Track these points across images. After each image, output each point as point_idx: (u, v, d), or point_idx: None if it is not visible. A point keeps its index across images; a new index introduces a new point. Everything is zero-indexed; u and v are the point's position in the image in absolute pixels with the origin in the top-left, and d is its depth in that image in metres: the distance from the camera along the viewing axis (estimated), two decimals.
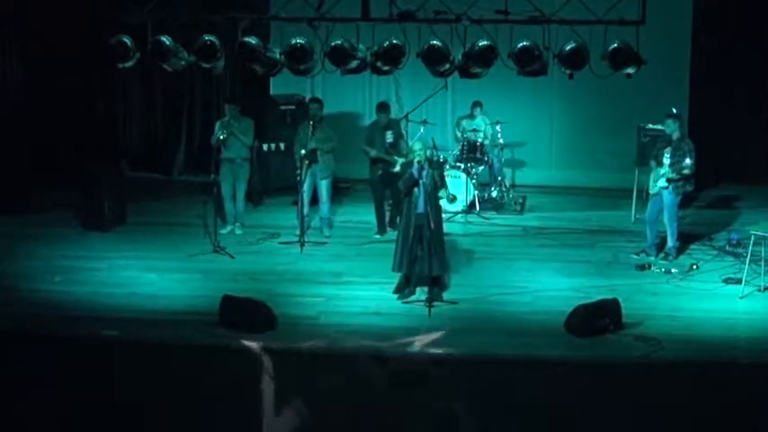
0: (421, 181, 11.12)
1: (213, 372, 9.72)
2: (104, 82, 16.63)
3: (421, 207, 11.13)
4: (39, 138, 15.47)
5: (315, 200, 13.71)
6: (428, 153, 11.39)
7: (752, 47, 15.53)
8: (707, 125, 15.32)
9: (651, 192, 12.64)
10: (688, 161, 12.19)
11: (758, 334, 10.47)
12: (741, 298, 11.35)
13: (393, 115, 14.59)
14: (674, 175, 12.31)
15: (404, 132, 14.15)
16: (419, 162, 11.14)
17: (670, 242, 12.65)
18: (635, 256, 12.70)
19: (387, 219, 13.75)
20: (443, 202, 12.15)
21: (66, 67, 15.85)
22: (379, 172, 13.61)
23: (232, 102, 13.82)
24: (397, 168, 13.32)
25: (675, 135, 12.42)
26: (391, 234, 13.17)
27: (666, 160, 12.38)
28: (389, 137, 13.70)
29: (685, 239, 13.06)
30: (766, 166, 15.64)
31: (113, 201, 13.99)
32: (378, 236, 13.65)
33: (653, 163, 12.61)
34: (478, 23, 10.90)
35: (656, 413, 9.08)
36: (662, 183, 12.43)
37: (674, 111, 13.16)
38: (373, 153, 13.62)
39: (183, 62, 11.73)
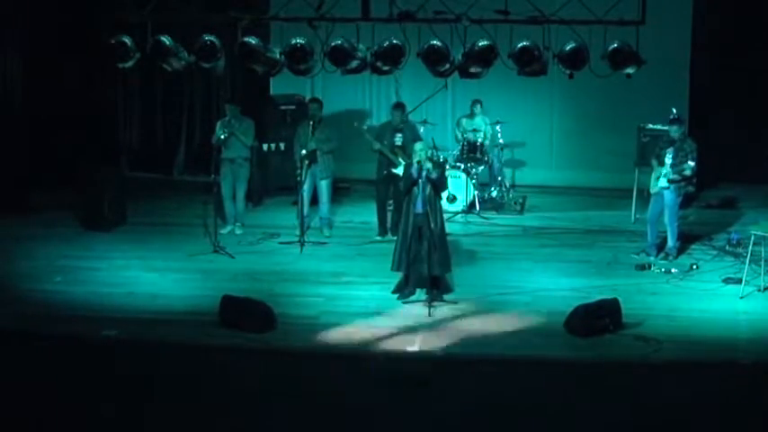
0: (420, 181, 11.13)
1: (213, 372, 9.71)
2: (104, 82, 16.63)
3: (419, 207, 11.14)
4: (38, 138, 15.47)
5: (315, 200, 13.72)
6: (429, 153, 11.39)
7: (752, 46, 15.53)
8: (707, 125, 15.33)
9: (652, 191, 12.65)
10: (690, 163, 12.22)
11: (758, 334, 10.47)
12: (741, 298, 11.36)
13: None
14: (675, 176, 12.32)
15: (419, 136, 14.07)
16: (418, 162, 11.14)
17: (670, 242, 12.66)
18: (635, 256, 12.71)
19: (389, 221, 13.71)
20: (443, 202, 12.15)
21: (66, 67, 15.85)
22: (385, 172, 13.59)
23: (232, 102, 13.83)
24: (396, 170, 13.32)
25: (678, 136, 12.44)
26: (392, 236, 13.19)
27: (669, 160, 12.39)
28: (398, 140, 13.68)
29: (685, 239, 13.06)
30: (766, 166, 15.63)
31: (113, 201, 14.00)
32: (378, 237, 13.64)
33: (654, 162, 12.62)
34: (478, 23, 10.90)
35: (656, 413, 9.07)
36: (663, 182, 12.44)
37: (674, 111, 13.18)
38: (377, 146, 13.59)
39: (183, 62, 11.73)
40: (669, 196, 12.45)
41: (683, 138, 12.50)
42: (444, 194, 12.09)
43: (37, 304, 11.22)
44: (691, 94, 15.59)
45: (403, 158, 13.46)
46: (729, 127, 15.69)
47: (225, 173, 13.53)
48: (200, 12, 12.77)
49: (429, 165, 11.17)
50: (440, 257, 11.19)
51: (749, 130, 15.76)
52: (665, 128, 12.93)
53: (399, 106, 13.94)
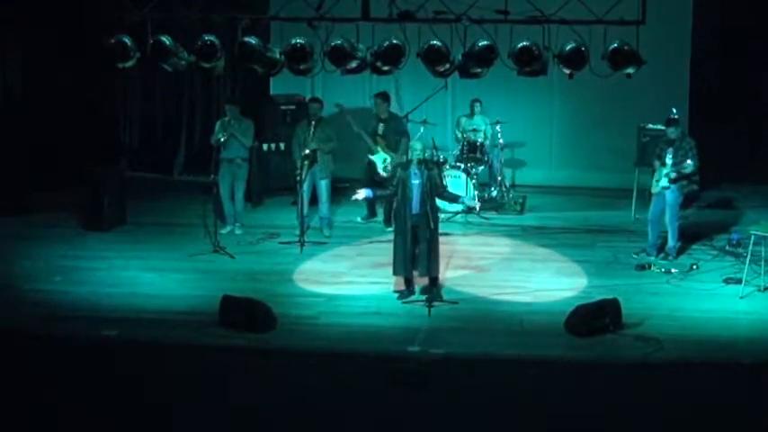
0: (417, 181, 11.12)
1: (213, 372, 9.71)
2: (104, 82, 16.63)
3: (416, 208, 11.13)
4: (39, 138, 15.47)
5: (314, 200, 13.72)
6: (428, 153, 11.39)
7: (753, 46, 15.53)
8: (707, 125, 15.32)
9: (654, 191, 12.65)
10: (689, 162, 12.23)
11: (758, 334, 10.48)
12: (741, 298, 11.35)
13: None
14: (674, 175, 12.33)
15: (405, 130, 14.14)
16: (418, 161, 11.13)
17: (671, 242, 12.66)
18: (635, 256, 12.71)
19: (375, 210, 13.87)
20: (441, 203, 12.16)
21: (67, 67, 15.84)
22: (367, 159, 13.90)
23: (232, 102, 13.82)
24: (373, 157, 13.64)
25: (676, 136, 12.45)
26: (376, 224, 13.56)
27: (669, 160, 12.40)
28: (381, 129, 13.90)
29: (685, 239, 13.05)
30: (766, 166, 15.63)
31: (113, 201, 14.00)
32: (360, 219, 13.98)
33: (657, 163, 12.63)
34: (478, 23, 10.90)
35: (656, 413, 9.08)
36: (664, 182, 12.44)
37: (674, 111, 13.17)
38: (356, 128, 13.78)
39: (183, 62, 11.73)
40: (670, 196, 12.46)
41: (681, 137, 12.51)
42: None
43: (37, 304, 11.21)
44: (691, 94, 15.59)
45: (382, 148, 13.58)
46: (730, 127, 15.69)
47: (223, 173, 13.51)
48: (200, 12, 12.75)
49: (418, 165, 11.15)
50: (435, 258, 11.20)
51: (749, 130, 15.76)
52: (668, 133, 12.96)
53: (380, 95, 14.09)
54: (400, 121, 14.26)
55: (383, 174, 13.68)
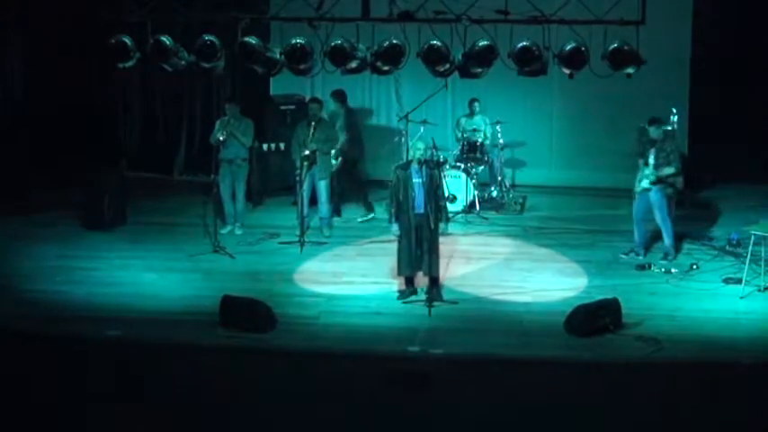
0: (418, 180, 11.11)
1: (213, 372, 9.72)
2: (104, 82, 16.63)
3: (420, 207, 11.12)
4: (39, 138, 15.48)
5: (314, 200, 13.73)
6: (428, 153, 11.40)
7: (752, 46, 15.53)
8: (707, 125, 15.32)
9: (636, 191, 12.63)
10: (666, 170, 12.21)
11: (758, 334, 10.48)
12: (741, 298, 11.36)
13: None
14: (653, 177, 12.30)
15: (348, 126, 14.51)
16: (419, 161, 11.13)
17: (667, 242, 12.64)
18: (624, 257, 12.70)
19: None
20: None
21: (66, 67, 15.85)
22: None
23: (232, 101, 13.83)
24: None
25: (658, 136, 12.40)
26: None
27: (651, 161, 12.38)
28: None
29: (685, 239, 13.05)
30: (766, 166, 15.63)
31: (113, 201, 14.00)
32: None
33: (640, 161, 12.60)
34: (478, 23, 10.91)
35: (656, 413, 9.08)
36: (645, 184, 12.43)
37: (674, 110, 13.17)
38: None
39: (183, 62, 11.74)
40: (655, 196, 12.42)
41: (663, 138, 12.47)
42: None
43: (37, 304, 11.22)
44: (691, 94, 15.59)
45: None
46: (729, 127, 15.68)
47: (223, 173, 13.51)
48: (200, 12, 12.75)
49: (418, 164, 11.14)
50: (436, 258, 11.20)
51: (749, 130, 15.76)
52: (668, 128, 12.93)
53: (332, 94, 14.58)
54: (346, 115, 14.57)
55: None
